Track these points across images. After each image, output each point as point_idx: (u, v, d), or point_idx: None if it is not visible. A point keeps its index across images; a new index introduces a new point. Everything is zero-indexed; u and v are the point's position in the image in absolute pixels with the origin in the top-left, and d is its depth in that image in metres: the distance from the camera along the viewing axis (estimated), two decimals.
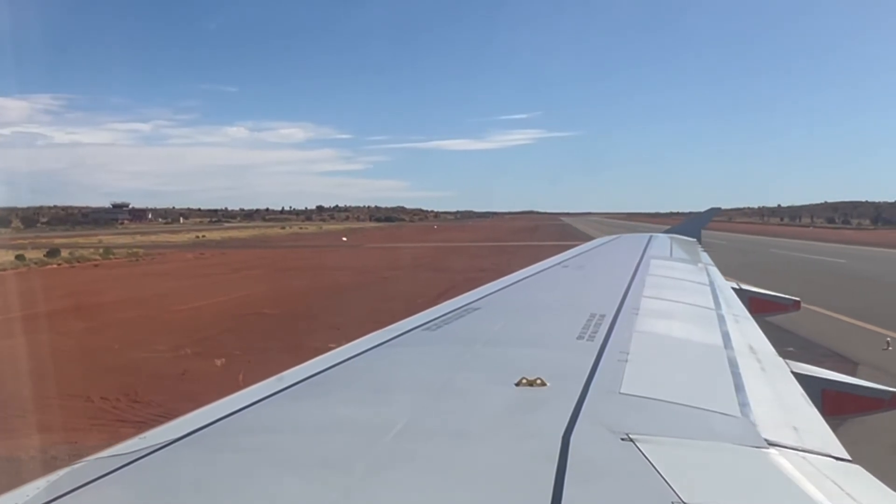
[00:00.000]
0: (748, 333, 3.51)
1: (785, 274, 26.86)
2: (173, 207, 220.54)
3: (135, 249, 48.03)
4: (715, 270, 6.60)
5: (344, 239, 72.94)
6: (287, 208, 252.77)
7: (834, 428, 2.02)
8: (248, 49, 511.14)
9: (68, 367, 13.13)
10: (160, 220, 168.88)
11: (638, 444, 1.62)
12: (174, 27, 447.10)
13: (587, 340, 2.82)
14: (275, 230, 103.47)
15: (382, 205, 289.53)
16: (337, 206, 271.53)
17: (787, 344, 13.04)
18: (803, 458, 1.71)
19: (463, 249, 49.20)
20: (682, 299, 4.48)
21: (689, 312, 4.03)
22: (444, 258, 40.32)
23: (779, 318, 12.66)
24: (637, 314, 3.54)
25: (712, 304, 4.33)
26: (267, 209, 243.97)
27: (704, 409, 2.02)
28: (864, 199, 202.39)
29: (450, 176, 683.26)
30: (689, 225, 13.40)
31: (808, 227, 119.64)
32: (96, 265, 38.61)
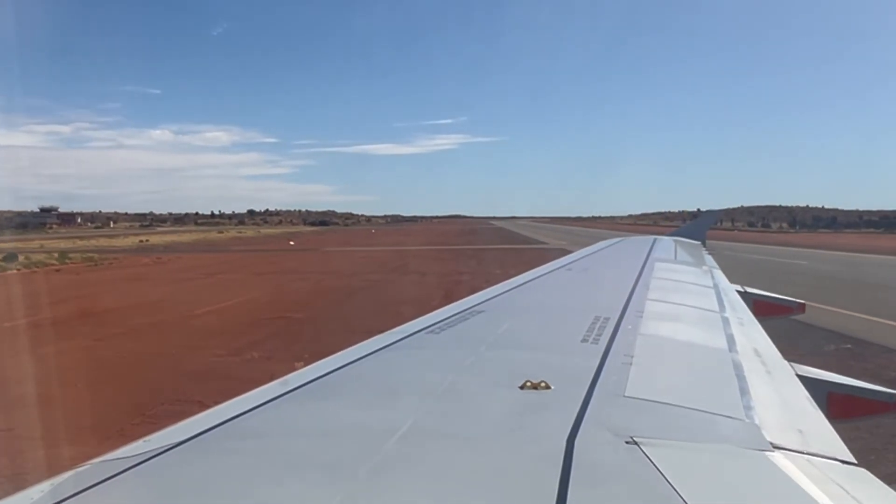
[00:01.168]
0: (753, 336, 3.51)
1: (765, 276, 27.22)
2: (100, 211, 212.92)
3: (88, 254, 46.26)
4: (719, 273, 6.60)
5: (291, 243, 71.79)
6: (217, 212, 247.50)
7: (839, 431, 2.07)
8: (172, 51, 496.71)
9: (141, 372, 12.93)
10: (89, 224, 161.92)
11: (642, 447, 1.63)
12: (94, 27, 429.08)
13: (591, 343, 2.81)
14: (213, 234, 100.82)
15: (311, 209, 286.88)
16: (267, 209, 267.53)
17: (844, 342, 14.00)
18: (808, 461, 1.72)
19: (422, 253, 48.94)
20: (687, 302, 4.50)
21: (693, 315, 4.03)
22: (412, 262, 40.06)
23: (811, 319, 13.34)
24: (641, 317, 3.54)
25: (717, 307, 4.34)
26: (197, 213, 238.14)
27: (709, 412, 2.02)
28: (778, 204, 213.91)
29: (375, 180, 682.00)
30: (693, 228, 13.84)
31: (733, 230, 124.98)
32: (57, 270, 36.96)
